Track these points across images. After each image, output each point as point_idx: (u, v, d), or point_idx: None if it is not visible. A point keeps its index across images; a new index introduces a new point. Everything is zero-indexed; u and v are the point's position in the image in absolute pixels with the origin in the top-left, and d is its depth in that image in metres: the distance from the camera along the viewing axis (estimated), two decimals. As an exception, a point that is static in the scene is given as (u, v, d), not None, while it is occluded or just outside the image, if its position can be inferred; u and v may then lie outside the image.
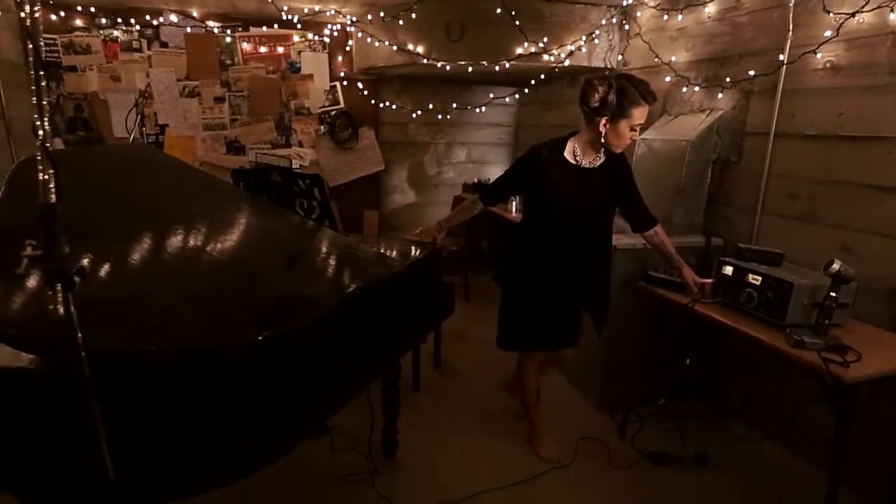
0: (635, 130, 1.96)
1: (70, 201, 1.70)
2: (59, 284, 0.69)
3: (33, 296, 1.14)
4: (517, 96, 4.44)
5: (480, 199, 2.32)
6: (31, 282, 1.17)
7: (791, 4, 2.36)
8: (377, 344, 1.74)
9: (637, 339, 2.63)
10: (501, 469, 2.34)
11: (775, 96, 2.48)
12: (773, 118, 2.50)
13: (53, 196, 0.73)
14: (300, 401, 1.38)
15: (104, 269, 1.36)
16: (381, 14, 3.45)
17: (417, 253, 2.08)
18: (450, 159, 5.07)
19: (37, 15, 0.79)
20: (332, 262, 1.74)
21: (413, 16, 3.23)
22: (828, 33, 2.19)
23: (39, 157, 0.74)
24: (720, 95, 2.78)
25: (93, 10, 3.74)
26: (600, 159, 2.09)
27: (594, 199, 2.09)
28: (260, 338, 1.22)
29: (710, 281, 2.22)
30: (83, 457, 1.07)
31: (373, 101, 4.49)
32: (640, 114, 1.91)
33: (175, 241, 1.61)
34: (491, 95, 4.45)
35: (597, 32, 3.46)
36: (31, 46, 0.77)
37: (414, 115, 4.59)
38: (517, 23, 3.11)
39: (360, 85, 4.42)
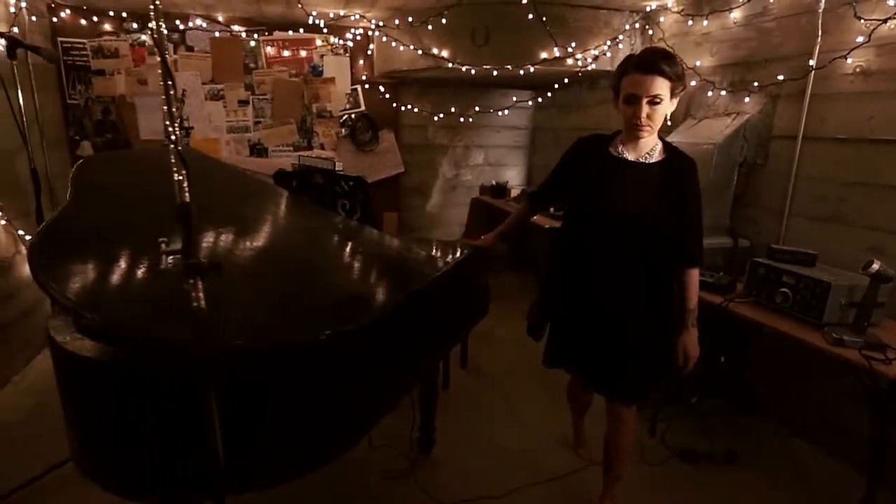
0: (633, 104, 1.59)
1: (131, 202, 1.75)
2: (199, 279, 0.74)
3: (141, 292, 1.19)
4: (540, 99, 4.49)
5: (528, 203, 2.15)
6: (136, 278, 1.22)
7: (820, 10, 2.41)
8: (429, 341, 1.79)
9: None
10: (536, 465, 2.38)
11: (803, 100, 2.53)
12: (802, 122, 2.55)
13: (188, 195, 0.78)
14: (365, 394, 1.43)
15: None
16: (410, 19, 3.51)
17: (459, 253, 2.13)
18: (468, 162, 5.13)
19: (163, 28, 0.84)
20: (385, 261, 1.80)
21: (443, 21, 3.29)
22: (859, 39, 2.24)
23: (174, 160, 0.79)
24: (747, 99, 2.83)
25: (124, 14, 3.80)
26: (654, 155, 1.69)
27: (637, 199, 1.66)
28: (332, 334, 1.27)
29: (694, 355, 1.76)
30: (170, 447, 1.13)
31: (394, 105, 4.55)
32: (628, 83, 1.59)
33: (237, 240, 1.66)
34: (514, 99, 4.52)
35: (620, 37, 3.51)
36: (159, 59, 0.82)
37: (435, 119, 4.65)
38: (547, 28, 3.16)
39: (381, 88, 4.48)
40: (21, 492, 2.09)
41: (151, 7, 0.85)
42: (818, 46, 2.44)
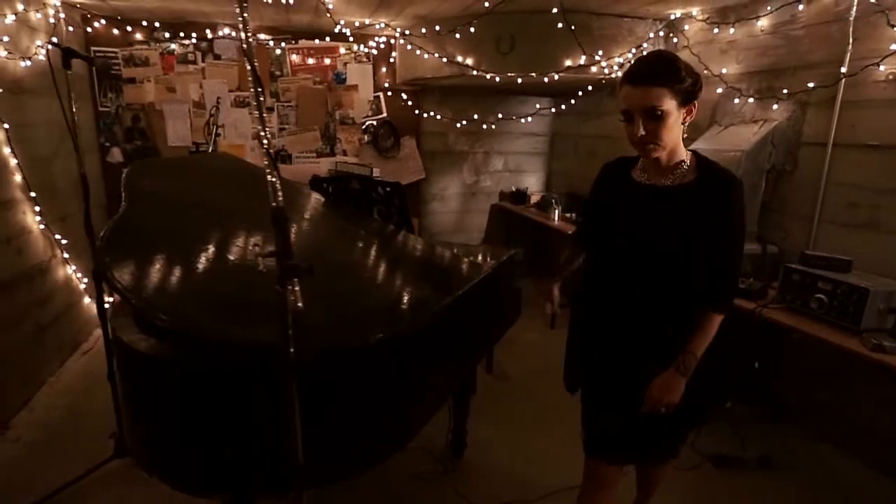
0: (629, 121, 1.36)
1: (183, 206, 1.80)
2: (294, 281, 0.77)
3: (210, 292, 1.22)
4: (563, 107, 4.51)
5: (572, 247, 1.80)
6: (204, 279, 1.26)
7: (851, 18, 2.43)
8: (471, 342, 1.81)
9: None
10: (568, 470, 2.38)
11: (834, 107, 2.54)
12: (832, 129, 2.56)
13: (282, 199, 0.81)
14: (415, 394, 1.46)
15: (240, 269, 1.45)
16: (437, 28, 3.55)
17: (492, 258, 2.16)
18: (487, 168, 5.17)
19: (252, 40, 0.88)
20: (428, 265, 1.83)
21: (472, 30, 3.33)
22: (893, 46, 2.26)
23: (267, 165, 0.82)
24: (775, 106, 2.85)
25: (157, 24, 3.89)
26: (681, 175, 1.41)
27: (660, 230, 1.40)
28: (388, 336, 1.30)
29: (665, 401, 1.42)
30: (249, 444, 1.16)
31: (416, 112, 4.61)
32: (621, 97, 1.37)
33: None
34: (538, 106, 4.55)
35: (645, 45, 3.54)
36: (249, 67, 0.86)
37: (458, 126, 4.70)
38: (577, 37, 3.20)
39: (403, 95, 4.54)
40: (62, 493, 2.12)
41: (239, 19, 0.89)
42: (849, 54, 2.46)
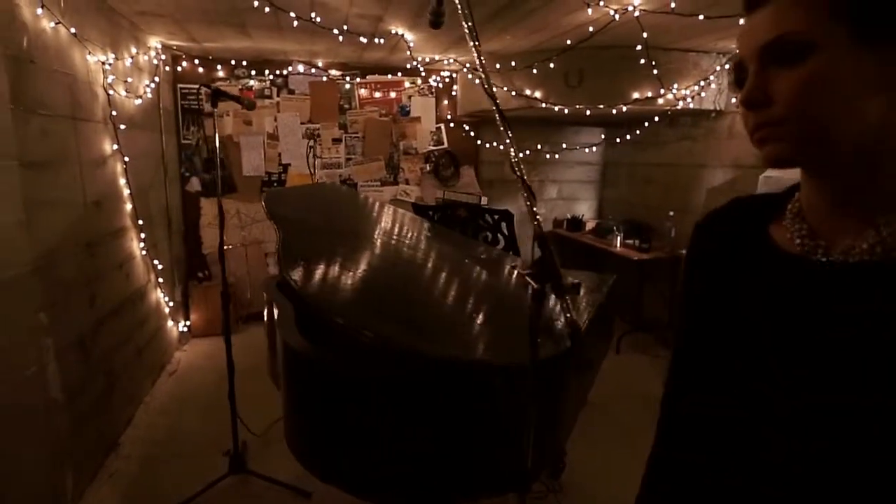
0: (741, 86, 0.57)
1: (328, 229, 1.92)
2: (566, 297, 0.87)
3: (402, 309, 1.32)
4: (628, 136, 4.63)
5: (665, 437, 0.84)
6: (392, 296, 1.35)
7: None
8: (592, 362, 1.88)
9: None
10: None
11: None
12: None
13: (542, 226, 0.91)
14: (563, 409, 1.53)
15: (415, 289, 1.56)
16: (513, 63, 3.73)
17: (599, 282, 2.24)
18: (542, 196, 5.28)
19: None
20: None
21: (551, 66, 3.49)
22: None
23: (523, 189, 0.93)
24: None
25: (244, 63, 4.15)
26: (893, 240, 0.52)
27: (852, 362, 0.52)
28: (555, 355, 1.38)
29: None
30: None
31: (478, 142, 4.77)
32: (739, 33, 0.58)
33: (428, 268, 1.81)
34: (602, 136, 4.68)
35: (712, 77, 3.66)
36: (488, 94, 0.97)
37: (522, 155, 4.84)
38: (655, 72, 3.33)
39: (465, 126, 4.71)
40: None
41: (477, 64, 1.01)
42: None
